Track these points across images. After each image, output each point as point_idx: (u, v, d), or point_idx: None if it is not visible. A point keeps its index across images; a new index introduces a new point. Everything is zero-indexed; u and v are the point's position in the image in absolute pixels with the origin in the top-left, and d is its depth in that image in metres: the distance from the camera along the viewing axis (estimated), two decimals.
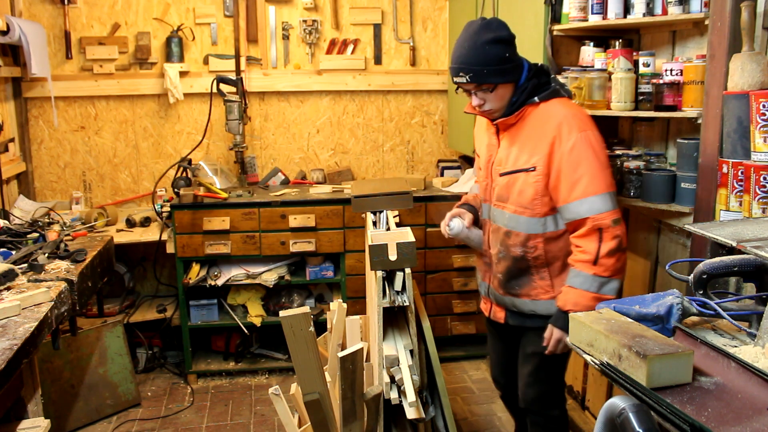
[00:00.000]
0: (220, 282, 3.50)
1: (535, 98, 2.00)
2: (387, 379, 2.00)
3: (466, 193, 2.47)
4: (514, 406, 2.41)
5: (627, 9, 2.40)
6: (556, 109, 1.98)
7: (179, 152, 3.94)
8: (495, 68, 1.94)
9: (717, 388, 1.15)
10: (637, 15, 2.34)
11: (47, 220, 3.10)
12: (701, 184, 2.07)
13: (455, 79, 2.02)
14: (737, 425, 1.04)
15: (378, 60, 4.04)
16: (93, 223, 3.46)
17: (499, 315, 2.22)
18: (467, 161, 3.98)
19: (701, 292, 1.45)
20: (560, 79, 2.33)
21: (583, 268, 1.93)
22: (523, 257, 2.06)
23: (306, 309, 1.85)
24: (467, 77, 1.97)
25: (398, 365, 2.01)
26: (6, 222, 2.83)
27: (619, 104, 2.38)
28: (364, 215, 2.92)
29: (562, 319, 1.95)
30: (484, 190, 2.21)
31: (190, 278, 3.49)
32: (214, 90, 3.72)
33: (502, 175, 2.08)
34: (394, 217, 2.71)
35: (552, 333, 2.01)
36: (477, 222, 2.28)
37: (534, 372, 2.17)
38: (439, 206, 3.52)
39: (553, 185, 1.96)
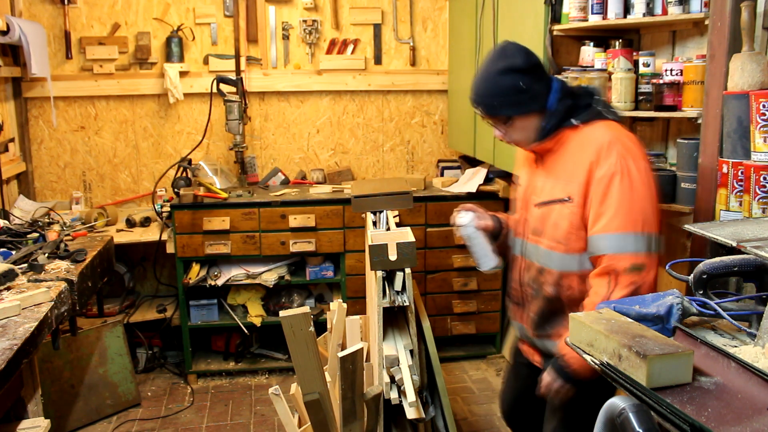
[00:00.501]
0: (220, 282, 3.50)
1: (573, 120, 1.80)
2: (387, 379, 2.00)
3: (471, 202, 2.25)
4: None
5: (627, 9, 2.40)
6: (599, 132, 1.77)
7: (179, 152, 3.94)
8: (506, 99, 1.80)
9: (717, 388, 1.15)
10: (637, 15, 2.34)
11: (47, 220, 3.10)
12: (701, 184, 2.07)
13: (475, 112, 1.90)
14: (737, 425, 1.03)
15: (378, 60, 4.04)
16: (93, 223, 3.46)
17: (537, 359, 2.02)
18: (467, 161, 3.98)
19: (701, 292, 1.45)
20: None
21: None
22: (558, 297, 1.85)
23: (306, 309, 1.85)
24: (480, 109, 1.85)
25: (398, 365, 2.01)
26: (6, 222, 2.83)
27: (619, 104, 2.38)
28: (364, 215, 2.92)
29: (555, 363, 1.79)
30: (517, 222, 2.01)
31: (190, 278, 3.48)
32: (214, 90, 3.72)
33: (537, 205, 1.89)
34: (394, 217, 2.71)
35: (545, 377, 1.83)
36: (498, 235, 2.09)
37: (558, 429, 1.96)
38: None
39: (587, 216, 1.76)
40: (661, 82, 2.26)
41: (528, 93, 1.80)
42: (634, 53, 2.46)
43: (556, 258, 1.83)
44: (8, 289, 2.12)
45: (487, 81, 1.82)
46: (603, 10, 2.47)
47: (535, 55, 1.83)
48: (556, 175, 1.84)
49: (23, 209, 3.49)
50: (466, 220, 2.03)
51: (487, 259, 2.04)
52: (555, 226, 1.82)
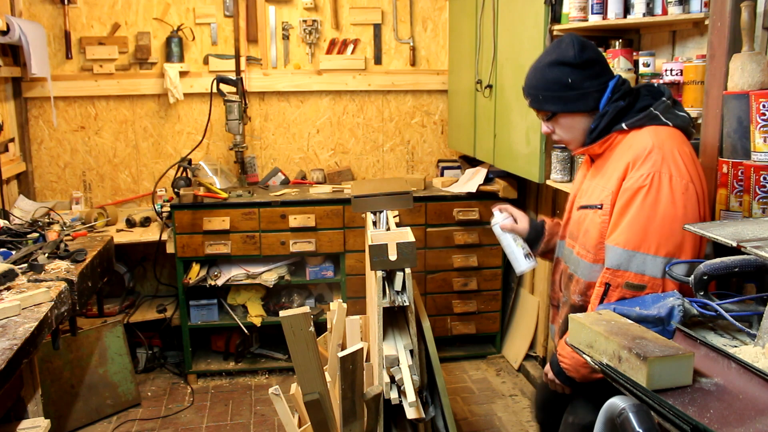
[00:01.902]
0: (220, 282, 3.50)
1: (623, 125, 1.69)
2: (387, 379, 2.00)
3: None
4: None
5: (627, 9, 2.40)
6: (643, 138, 1.64)
7: (179, 152, 3.94)
8: (552, 95, 1.71)
9: (718, 389, 1.15)
10: (637, 15, 2.34)
11: (47, 220, 3.09)
12: None
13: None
14: (740, 426, 1.03)
15: (378, 60, 4.04)
16: (93, 223, 3.46)
17: None
18: (467, 161, 3.98)
19: (702, 293, 1.45)
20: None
21: None
22: (582, 307, 1.77)
23: (306, 309, 1.85)
24: (528, 100, 1.78)
25: (398, 365, 2.01)
26: (6, 222, 2.83)
27: None
28: (364, 215, 2.91)
29: (555, 360, 1.82)
30: (563, 225, 1.95)
31: (190, 278, 3.48)
32: (214, 90, 3.72)
33: (578, 209, 1.81)
34: (394, 217, 2.70)
35: (547, 366, 1.88)
36: (537, 242, 2.06)
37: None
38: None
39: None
40: (661, 82, 2.26)
41: (576, 90, 1.70)
42: (634, 53, 2.45)
43: (584, 267, 1.76)
44: (8, 289, 2.12)
45: (536, 71, 1.75)
46: (603, 10, 2.47)
47: (593, 50, 1.72)
48: (598, 179, 1.75)
49: (23, 209, 3.49)
50: (495, 220, 2.06)
51: (516, 263, 2.05)
52: (586, 233, 1.75)
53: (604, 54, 2.51)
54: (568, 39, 1.72)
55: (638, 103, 1.72)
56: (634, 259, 1.57)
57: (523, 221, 2.06)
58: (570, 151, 1.86)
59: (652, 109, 1.69)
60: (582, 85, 1.69)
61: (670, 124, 1.68)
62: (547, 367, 1.89)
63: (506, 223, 2.05)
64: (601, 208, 1.69)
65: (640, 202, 1.57)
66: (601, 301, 1.63)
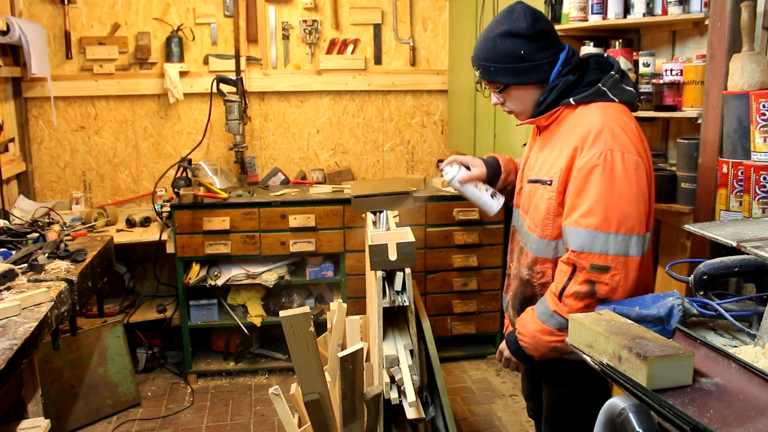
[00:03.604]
0: (220, 282, 3.50)
1: (570, 99, 1.67)
2: (387, 379, 2.00)
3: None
4: None
5: (627, 9, 2.40)
6: (591, 115, 1.63)
7: (179, 152, 3.94)
8: (504, 66, 1.67)
9: (718, 389, 1.15)
10: (637, 15, 2.34)
11: (47, 220, 3.09)
12: (701, 184, 2.07)
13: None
14: (740, 426, 1.03)
15: (378, 60, 4.04)
16: (93, 223, 3.46)
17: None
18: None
19: (702, 292, 1.45)
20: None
21: (549, 299, 1.68)
22: (529, 282, 1.79)
23: (306, 309, 1.85)
24: (478, 72, 1.74)
25: (398, 365, 2.01)
26: (6, 222, 2.83)
27: None
28: (364, 215, 2.92)
29: (511, 334, 1.82)
30: (517, 193, 1.92)
31: (190, 278, 3.48)
32: (214, 90, 3.72)
33: (528, 182, 1.80)
34: (394, 217, 2.70)
35: (501, 346, 1.88)
36: (495, 182, 2.01)
37: (548, 421, 1.95)
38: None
39: (564, 202, 1.66)
40: (661, 82, 2.26)
41: (528, 62, 1.66)
42: (634, 53, 2.46)
43: (533, 241, 1.75)
44: (8, 289, 2.12)
45: (486, 42, 1.70)
46: (603, 10, 2.47)
47: (544, 21, 1.69)
48: (546, 153, 1.73)
49: (23, 209, 3.49)
50: (450, 176, 1.97)
51: (486, 206, 1.99)
52: (536, 208, 1.73)
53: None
54: (519, 9, 1.67)
55: (587, 77, 1.69)
56: (597, 239, 1.56)
57: (478, 166, 1.98)
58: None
59: (600, 85, 1.67)
60: (534, 57, 1.66)
61: (616, 100, 1.67)
62: (503, 345, 1.87)
63: (463, 175, 1.96)
64: (550, 185, 1.67)
65: (597, 181, 1.56)
66: (568, 281, 1.62)
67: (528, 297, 1.82)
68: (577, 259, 1.60)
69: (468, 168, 1.98)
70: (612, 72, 1.69)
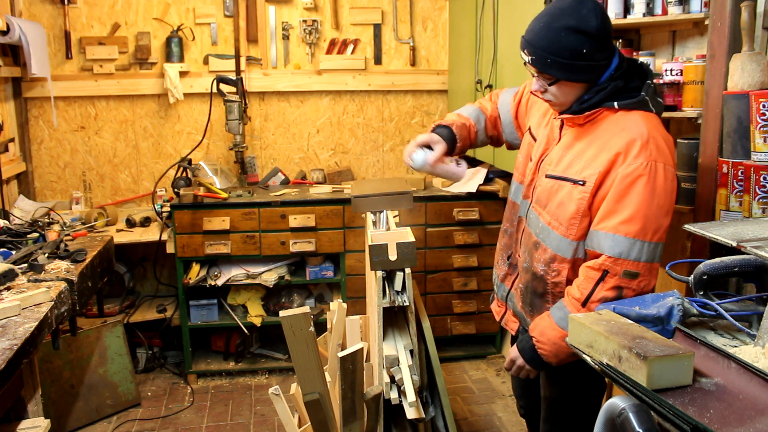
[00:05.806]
0: (220, 282, 3.50)
1: (615, 103, 1.65)
2: (387, 379, 2.00)
3: (459, 117, 2.12)
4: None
5: (627, 9, 2.40)
6: (636, 123, 1.62)
7: (179, 152, 3.94)
8: (563, 62, 1.62)
9: (718, 389, 1.15)
10: (637, 15, 2.34)
11: (47, 220, 3.10)
12: (701, 184, 2.06)
13: (521, 53, 1.71)
14: (740, 426, 1.03)
15: (378, 60, 4.04)
16: (93, 223, 3.46)
17: (512, 326, 1.98)
18: (467, 161, 3.97)
19: (702, 292, 1.45)
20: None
21: (569, 305, 1.67)
22: (543, 278, 1.78)
23: (306, 309, 1.85)
24: (530, 58, 1.67)
25: (398, 365, 2.01)
26: (6, 222, 2.83)
27: None
28: (364, 215, 2.91)
29: (524, 342, 1.81)
30: (527, 185, 1.89)
31: (190, 278, 3.48)
32: (214, 90, 3.72)
33: (548, 177, 1.77)
34: (394, 217, 2.70)
35: (511, 352, 1.87)
36: (453, 152, 2.04)
37: (548, 419, 1.96)
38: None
39: (596, 206, 1.65)
40: (661, 82, 2.26)
41: (587, 61, 1.62)
42: (634, 53, 2.45)
43: (555, 238, 1.73)
44: (8, 289, 2.12)
45: (548, 31, 1.62)
46: None
47: (610, 22, 1.66)
48: (578, 152, 1.70)
49: (23, 209, 3.49)
50: (420, 162, 1.99)
51: (455, 177, 2.05)
52: (561, 205, 1.71)
53: None
54: (591, 4, 1.61)
55: (632, 83, 1.69)
56: (634, 247, 1.58)
57: (438, 142, 2.00)
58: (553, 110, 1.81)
59: (643, 93, 1.67)
60: (594, 57, 1.62)
61: (654, 111, 1.68)
62: (514, 353, 1.84)
63: (433, 156, 1.97)
64: (583, 185, 1.65)
65: (640, 190, 1.57)
66: (595, 287, 1.62)
67: (540, 293, 1.81)
68: (613, 265, 1.60)
69: (430, 147, 2.00)
70: (648, 81, 1.70)
